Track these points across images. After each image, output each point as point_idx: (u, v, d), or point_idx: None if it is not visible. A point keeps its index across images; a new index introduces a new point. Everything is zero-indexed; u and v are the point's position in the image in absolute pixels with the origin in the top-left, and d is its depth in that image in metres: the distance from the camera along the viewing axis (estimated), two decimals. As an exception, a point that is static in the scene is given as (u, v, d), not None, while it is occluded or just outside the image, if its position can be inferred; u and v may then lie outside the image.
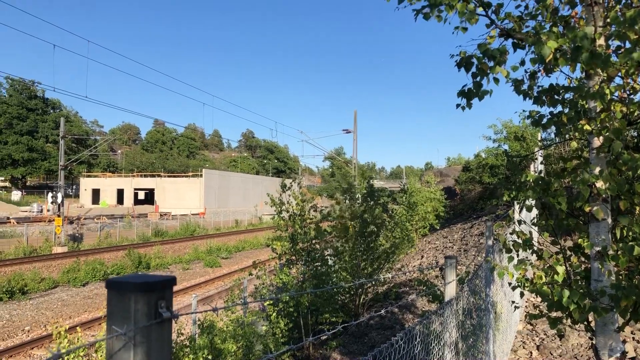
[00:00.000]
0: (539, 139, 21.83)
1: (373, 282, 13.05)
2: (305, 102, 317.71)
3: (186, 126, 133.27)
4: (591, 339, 9.08)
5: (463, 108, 3.66)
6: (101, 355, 7.42)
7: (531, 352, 8.86)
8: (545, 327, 9.90)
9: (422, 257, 19.42)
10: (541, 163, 14.35)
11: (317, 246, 12.26)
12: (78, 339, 8.79)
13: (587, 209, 3.47)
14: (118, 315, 1.24)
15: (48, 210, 52.24)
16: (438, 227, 25.00)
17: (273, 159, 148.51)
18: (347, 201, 13.30)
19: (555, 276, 3.55)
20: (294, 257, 12.10)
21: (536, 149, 17.58)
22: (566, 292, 3.22)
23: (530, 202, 4.12)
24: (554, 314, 3.72)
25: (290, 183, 12.92)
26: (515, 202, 10.20)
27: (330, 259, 12.54)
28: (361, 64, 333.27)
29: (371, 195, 13.39)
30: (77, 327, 11.03)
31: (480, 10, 3.60)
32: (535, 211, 10.40)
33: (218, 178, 79.58)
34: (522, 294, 4.08)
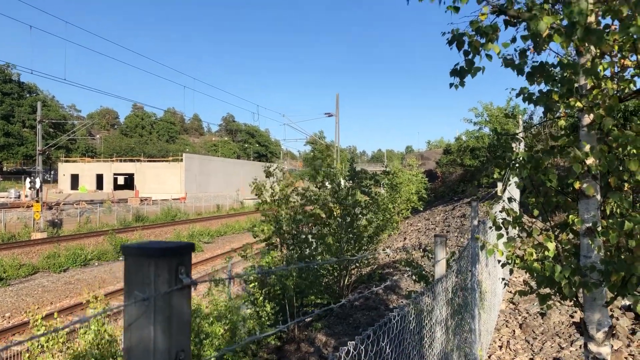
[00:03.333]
0: (521, 121, 22.04)
1: (357, 263, 13.11)
2: (288, 85, 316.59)
3: (166, 110, 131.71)
4: (572, 317, 9.26)
5: (456, 87, 3.65)
6: (84, 334, 7.31)
7: (514, 330, 9.00)
8: (528, 306, 10.06)
9: (405, 239, 19.56)
10: (523, 143, 14.47)
11: (302, 229, 12.28)
12: (57, 325, 8.66)
13: (577, 186, 3.50)
14: (137, 282, 1.19)
15: (26, 196, 51.41)
16: (421, 209, 25.18)
17: (254, 143, 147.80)
18: (325, 185, 13.27)
19: (546, 252, 3.58)
20: (277, 240, 12.10)
21: (519, 130, 17.73)
22: (558, 267, 3.25)
23: (517, 180, 4.15)
24: (542, 291, 3.77)
25: (274, 169, 12.88)
26: (499, 182, 10.31)
27: (314, 242, 12.57)
28: (343, 47, 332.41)
29: (353, 178, 13.42)
30: (55, 313, 10.91)
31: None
32: (517, 190, 10.43)
33: (199, 162, 78.99)
34: (511, 271, 4.12)
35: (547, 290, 3.69)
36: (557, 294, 3.63)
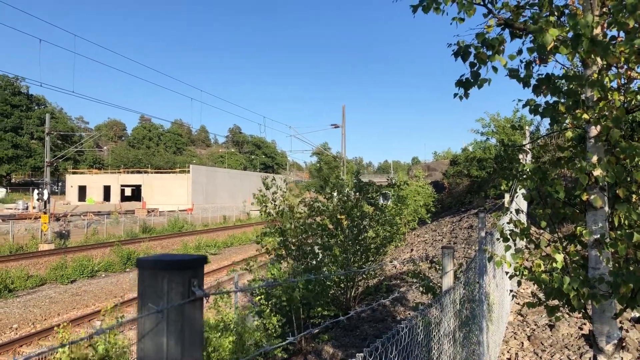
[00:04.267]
0: (528, 131, 21.99)
1: (365, 275, 13.07)
2: (294, 97, 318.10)
3: (173, 122, 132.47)
4: (580, 329, 9.18)
5: (461, 98, 3.67)
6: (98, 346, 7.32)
7: (522, 343, 8.93)
8: (536, 317, 9.98)
9: (412, 250, 19.49)
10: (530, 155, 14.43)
11: (308, 240, 12.27)
12: (68, 337, 8.69)
13: (584, 198, 3.49)
14: (151, 295, 1.20)
15: (34, 208, 51.74)
16: (428, 220, 25.12)
17: (261, 154, 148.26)
18: (333, 195, 13.28)
19: (554, 264, 3.57)
20: (283, 252, 12.09)
21: (525, 141, 17.69)
22: (566, 279, 3.24)
23: (524, 192, 4.15)
24: (551, 303, 3.75)
25: (272, 180, 12.87)
26: (506, 194, 10.29)
27: (320, 253, 12.55)
28: (349, 58, 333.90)
29: (360, 190, 13.41)
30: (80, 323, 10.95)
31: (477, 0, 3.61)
32: (524, 202, 10.37)
33: (205, 174, 79.24)
34: (519, 283, 4.11)
35: (556, 302, 3.68)
36: (566, 306, 3.61)
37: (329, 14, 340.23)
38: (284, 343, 1.92)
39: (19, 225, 37.19)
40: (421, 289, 7.97)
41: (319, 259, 12.28)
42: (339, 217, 12.71)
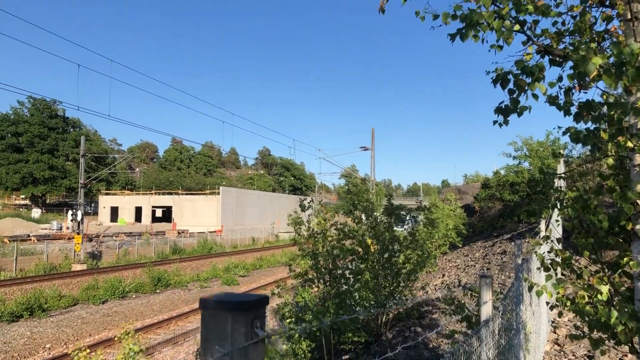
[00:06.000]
0: (563, 157, 21.60)
1: (395, 300, 12.88)
2: (324, 119, 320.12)
3: (203, 144, 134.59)
4: (621, 360, 8.84)
5: (500, 125, 3.63)
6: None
7: (560, 374, 8.65)
8: (574, 347, 9.67)
9: (444, 275, 19.19)
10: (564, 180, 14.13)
11: (339, 264, 12.17)
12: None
13: (629, 227, 3.40)
14: (214, 336, 1.20)
15: (67, 228, 52.72)
16: (460, 245, 24.75)
17: (289, 176, 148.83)
18: (363, 218, 13.21)
19: (599, 296, 3.46)
20: (315, 274, 12.01)
21: (559, 165, 17.36)
22: (614, 313, 3.13)
23: (561, 220, 4.05)
24: (595, 335, 3.63)
25: (309, 203, 12.85)
26: (542, 220, 10.08)
27: (351, 277, 12.43)
28: (379, 81, 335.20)
29: (391, 213, 13.30)
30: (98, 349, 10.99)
31: (516, 27, 3.58)
32: (559, 229, 10.09)
33: (235, 195, 79.83)
34: (560, 314, 3.99)
35: (600, 334, 3.56)
36: (611, 339, 3.49)
37: (359, 38, 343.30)
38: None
39: (53, 246, 37.93)
40: (455, 317, 7.80)
41: (350, 283, 12.18)
42: (367, 241, 12.61)
